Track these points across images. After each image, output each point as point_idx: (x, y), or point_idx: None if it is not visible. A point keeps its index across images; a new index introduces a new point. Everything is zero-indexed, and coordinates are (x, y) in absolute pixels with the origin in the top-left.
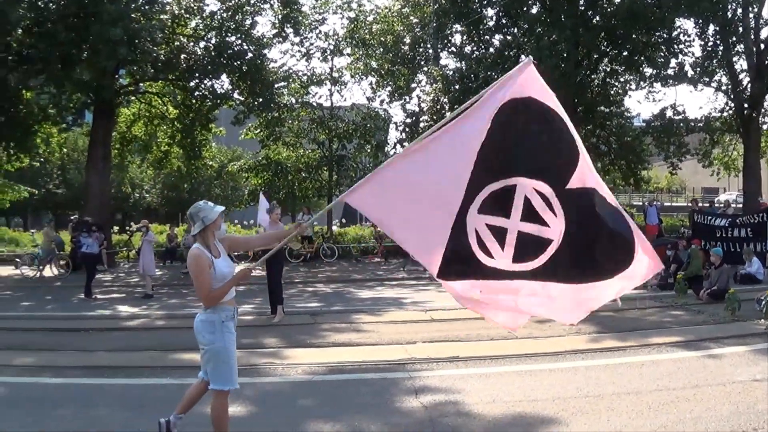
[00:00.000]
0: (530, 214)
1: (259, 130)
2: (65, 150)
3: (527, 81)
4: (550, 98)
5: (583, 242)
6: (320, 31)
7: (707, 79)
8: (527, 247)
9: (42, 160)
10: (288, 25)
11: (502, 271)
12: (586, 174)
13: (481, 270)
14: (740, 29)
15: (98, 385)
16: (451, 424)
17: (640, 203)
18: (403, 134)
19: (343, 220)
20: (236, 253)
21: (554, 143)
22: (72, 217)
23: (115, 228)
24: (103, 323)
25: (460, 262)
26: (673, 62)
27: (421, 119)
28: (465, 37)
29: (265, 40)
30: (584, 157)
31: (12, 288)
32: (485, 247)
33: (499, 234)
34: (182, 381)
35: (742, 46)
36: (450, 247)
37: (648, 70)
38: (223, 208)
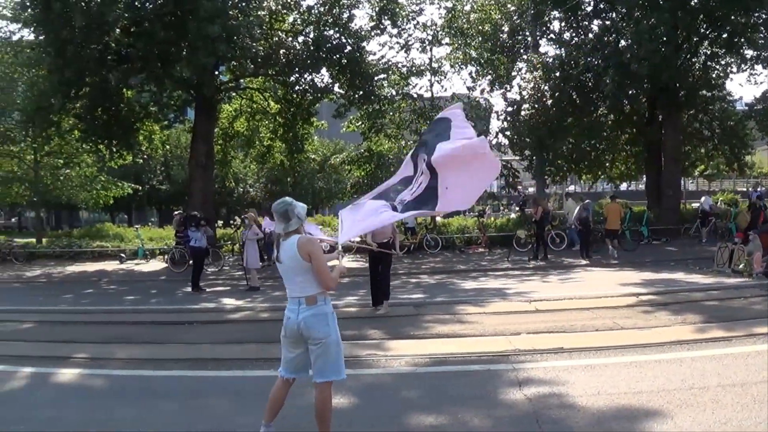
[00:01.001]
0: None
1: (360, 123)
2: (168, 147)
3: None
4: None
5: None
6: (418, 22)
7: None
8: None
9: (145, 157)
10: (385, 17)
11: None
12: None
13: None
14: None
15: (201, 377)
16: (555, 417)
17: (744, 189)
18: (505, 123)
19: None
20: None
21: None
22: (175, 213)
23: (220, 222)
24: (208, 316)
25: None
26: None
27: (522, 108)
28: (563, 24)
29: (363, 32)
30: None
31: (117, 282)
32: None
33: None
34: None
35: None
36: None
37: (748, 52)
38: (304, 205)
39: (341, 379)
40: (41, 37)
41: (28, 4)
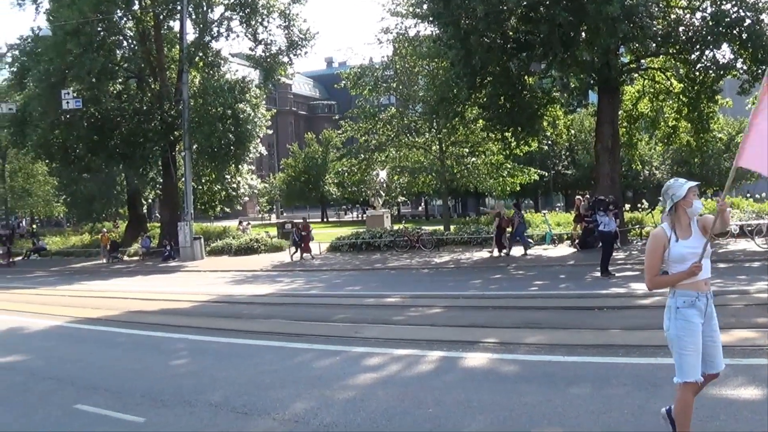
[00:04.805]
0: None
1: None
2: (572, 131)
3: None
4: None
5: None
6: None
7: None
8: None
9: (550, 142)
10: None
11: None
12: None
13: None
14: None
15: (612, 363)
16: None
17: None
18: None
19: None
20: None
21: None
22: (577, 197)
23: (627, 206)
24: (618, 301)
25: None
26: None
27: None
28: None
29: (761, 4)
30: None
31: (525, 268)
32: None
33: None
34: None
35: None
36: None
37: None
38: (693, 183)
39: (689, 380)
40: (440, 30)
41: None
